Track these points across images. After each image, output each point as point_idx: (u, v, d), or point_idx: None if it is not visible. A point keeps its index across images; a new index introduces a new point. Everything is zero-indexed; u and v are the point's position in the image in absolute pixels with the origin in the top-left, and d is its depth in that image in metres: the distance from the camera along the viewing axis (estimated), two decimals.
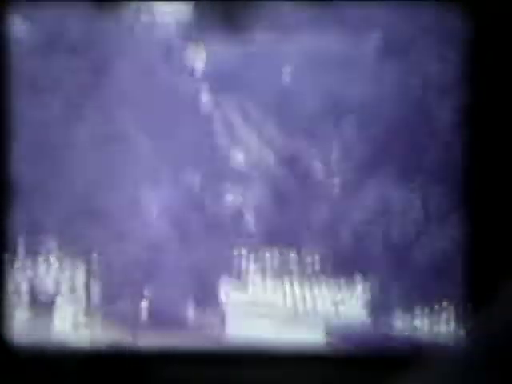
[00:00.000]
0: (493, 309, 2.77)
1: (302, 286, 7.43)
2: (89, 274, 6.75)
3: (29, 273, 6.75)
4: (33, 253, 7.16)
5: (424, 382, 2.76)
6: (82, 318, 6.59)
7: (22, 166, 7.95)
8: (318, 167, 11.70)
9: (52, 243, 7.17)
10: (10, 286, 4.12)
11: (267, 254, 7.85)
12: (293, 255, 8.06)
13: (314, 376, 3.96)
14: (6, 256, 4.02)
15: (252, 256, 7.75)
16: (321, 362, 4.03)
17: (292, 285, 7.64)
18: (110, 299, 6.54)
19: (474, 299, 3.53)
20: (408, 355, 3.66)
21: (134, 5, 3.99)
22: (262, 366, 4.05)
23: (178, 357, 4.18)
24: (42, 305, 6.47)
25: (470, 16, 3.71)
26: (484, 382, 2.68)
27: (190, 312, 6.77)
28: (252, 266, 7.75)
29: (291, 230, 8.84)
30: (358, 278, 8.04)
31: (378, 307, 8.52)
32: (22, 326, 5.73)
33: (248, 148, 9.53)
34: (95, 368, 3.96)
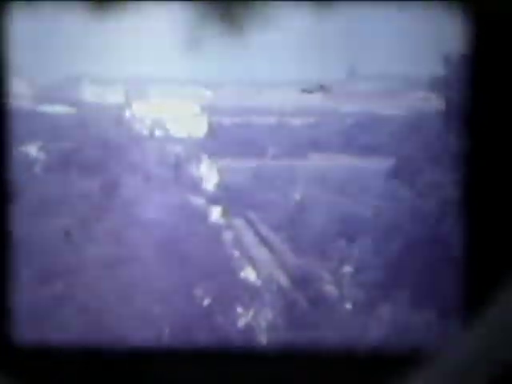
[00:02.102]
0: (492, 309, 2.78)
1: None
2: None
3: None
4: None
5: (424, 381, 2.78)
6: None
7: (33, 288, 7.87)
8: (329, 290, 11.60)
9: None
10: (11, 285, 3.99)
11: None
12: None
13: (313, 376, 3.78)
14: (7, 257, 3.92)
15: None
16: (320, 362, 3.85)
17: None
18: None
19: (474, 299, 3.42)
20: (408, 355, 3.51)
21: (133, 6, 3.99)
22: (261, 365, 3.88)
23: (178, 357, 4.01)
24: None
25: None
26: (484, 382, 2.68)
27: None
28: None
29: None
30: None
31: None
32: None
33: (259, 266, 9.50)
34: (95, 368, 3.80)
